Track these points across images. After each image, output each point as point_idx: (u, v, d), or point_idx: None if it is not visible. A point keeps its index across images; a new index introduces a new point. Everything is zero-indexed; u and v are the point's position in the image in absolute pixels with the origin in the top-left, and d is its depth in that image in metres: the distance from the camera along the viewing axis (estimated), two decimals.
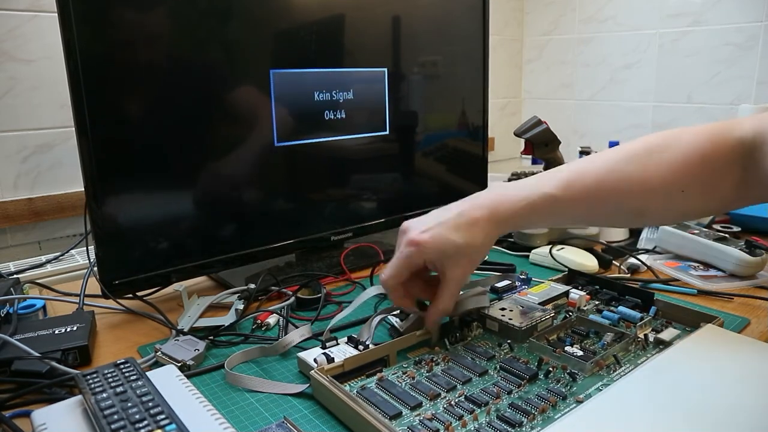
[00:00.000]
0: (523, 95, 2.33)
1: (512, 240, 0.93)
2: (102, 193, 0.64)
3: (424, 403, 0.46)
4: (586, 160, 0.58)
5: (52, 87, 1.15)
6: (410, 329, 0.58)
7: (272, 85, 0.75)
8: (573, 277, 0.72)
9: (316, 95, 0.80)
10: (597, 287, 0.69)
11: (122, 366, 0.49)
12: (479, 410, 0.45)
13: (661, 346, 0.55)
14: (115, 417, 0.41)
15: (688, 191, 0.54)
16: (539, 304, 0.63)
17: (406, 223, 0.58)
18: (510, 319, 0.59)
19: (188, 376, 0.54)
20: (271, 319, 0.67)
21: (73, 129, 0.62)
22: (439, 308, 0.56)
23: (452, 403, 0.47)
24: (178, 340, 0.60)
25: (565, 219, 0.59)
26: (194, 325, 0.65)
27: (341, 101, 0.83)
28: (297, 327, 0.63)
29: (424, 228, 0.55)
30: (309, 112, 0.80)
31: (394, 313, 0.62)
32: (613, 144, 1.71)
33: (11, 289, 0.68)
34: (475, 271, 0.80)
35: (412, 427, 0.43)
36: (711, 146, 0.54)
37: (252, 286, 0.73)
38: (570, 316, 0.61)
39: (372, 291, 0.65)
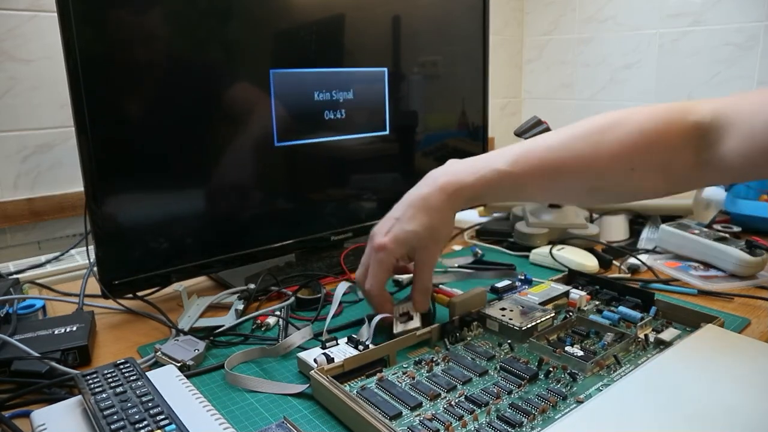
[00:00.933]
0: (523, 95, 2.33)
1: (512, 240, 0.93)
2: (102, 193, 0.64)
3: (424, 403, 0.46)
4: (540, 137, 0.59)
5: (52, 87, 1.15)
6: (405, 331, 0.58)
7: (272, 85, 0.75)
8: (573, 277, 0.72)
9: (316, 95, 0.80)
10: (597, 287, 0.69)
11: (122, 366, 0.49)
12: (479, 410, 0.45)
13: (661, 347, 0.55)
14: (115, 417, 0.41)
15: (638, 170, 0.55)
16: (539, 304, 0.63)
17: (372, 231, 0.62)
18: (510, 319, 0.59)
19: (188, 377, 0.53)
20: (271, 319, 0.67)
21: (73, 129, 0.62)
22: (420, 287, 0.60)
23: (452, 403, 0.46)
24: (177, 340, 0.60)
25: (521, 194, 0.60)
26: (194, 325, 0.65)
27: (341, 101, 0.83)
28: (298, 328, 0.63)
29: (386, 230, 0.59)
30: (309, 112, 0.80)
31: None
32: None
33: (11, 289, 0.68)
34: (475, 270, 0.80)
35: (412, 428, 0.43)
36: (664, 126, 0.54)
37: (252, 286, 0.73)
38: (570, 316, 0.61)
39: (343, 287, 0.69)
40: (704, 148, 0.53)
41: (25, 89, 1.14)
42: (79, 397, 0.46)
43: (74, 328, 0.62)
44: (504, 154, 0.58)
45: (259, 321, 0.66)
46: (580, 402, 0.46)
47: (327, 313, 0.67)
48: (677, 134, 0.54)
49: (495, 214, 1.09)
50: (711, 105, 0.53)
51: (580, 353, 0.52)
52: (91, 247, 0.69)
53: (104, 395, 0.44)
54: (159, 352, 0.58)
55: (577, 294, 0.65)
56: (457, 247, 0.95)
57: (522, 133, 1.04)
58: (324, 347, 0.55)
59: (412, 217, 0.58)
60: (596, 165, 0.55)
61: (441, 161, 0.64)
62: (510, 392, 0.48)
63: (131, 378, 0.47)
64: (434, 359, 0.53)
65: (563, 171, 0.56)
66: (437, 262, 0.62)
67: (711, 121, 0.52)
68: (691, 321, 0.59)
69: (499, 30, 2.16)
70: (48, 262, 1.00)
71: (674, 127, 0.54)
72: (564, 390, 0.48)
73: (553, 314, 0.61)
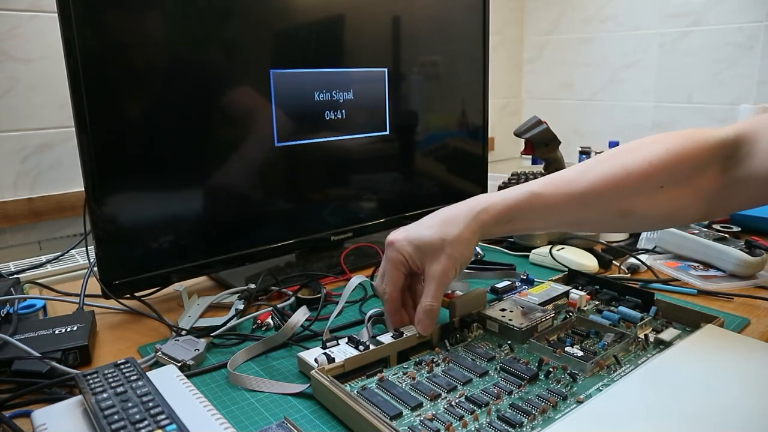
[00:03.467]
0: (523, 95, 2.33)
1: (512, 240, 0.93)
2: (102, 193, 0.64)
3: (424, 404, 0.46)
4: (568, 168, 0.60)
5: (52, 87, 1.15)
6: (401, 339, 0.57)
7: (272, 85, 0.75)
8: (573, 278, 0.72)
9: (316, 95, 0.80)
10: (597, 287, 0.69)
11: (122, 366, 0.49)
12: (480, 410, 0.45)
13: (661, 347, 0.55)
14: (116, 417, 0.41)
15: (667, 186, 0.55)
16: (539, 304, 0.63)
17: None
18: (510, 319, 0.59)
19: (188, 376, 0.54)
20: (271, 320, 0.67)
21: (73, 129, 0.62)
22: (424, 305, 0.56)
23: (453, 403, 0.47)
24: (178, 340, 0.60)
25: (551, 218, 0.59)
26: (194, 325, 0.65)
27: (341, 101, 0.83)
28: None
29: (402, 230, 0.59)
30: (309, 112, 0.80)
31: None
32: (612, 144, 1.71)
33: (11, 289, 0.68)
34: (475, 270, 0.80)
35: (413, 428, 0.43)
36: (690, 144, 0.55)
37: (252, 286, 0.73)
38: (570, 316, 0.61)
39: (355, 281, 0.68)
40: (731, 165, 0.54)
41: (25, 89, 1.14)
42: (80, 397, 0.46)
43: (75, 328, 0.62)
44: (535, 180, 0.58)
45: (259, 321, 0.66)
46: (580, 402, 0.46)
47: (327, 313, 0.67)
48: (702, 151, 0.55)
49: None
50: (734, 126, 0.55)
51: (580, 353, 0.52)
52: (92, 247, 0.69)
53: (105, 395, 0.44)
54: (159, 352, 0.58)
55: (577, 294, 0.66)
56: None
57: (522, 133, 1.04)
58: (325, 347, 0.55)
59: (432, 225, 0.57)
60: (625, 183, 0.55)
61: (441, 161, 0.64)
62: (510, 392, 0.48)
63: (132, 378, 0.47)
64: (434, 360, 0.53)
65: (593, 191, 0.56)
66: (449, 282, 0.57)
67: (735, 138, 0.54)
68: (691, 321, 0.59)
69: (499, 30, 2.16)
70: (48, 262, 1.00)
71: (699, 144, 0.55)
72: (564, 390, 0.48)
73: (553, 315, 0.61)
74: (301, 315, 0.59)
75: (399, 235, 0.58)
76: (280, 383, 0.53)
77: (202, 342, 0.60)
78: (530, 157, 1.23)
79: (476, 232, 0.57)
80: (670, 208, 0.57)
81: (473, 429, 0.43)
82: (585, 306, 0.65)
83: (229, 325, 0.64)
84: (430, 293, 0.56)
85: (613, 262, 0.83)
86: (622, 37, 1.97)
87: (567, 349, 0.53)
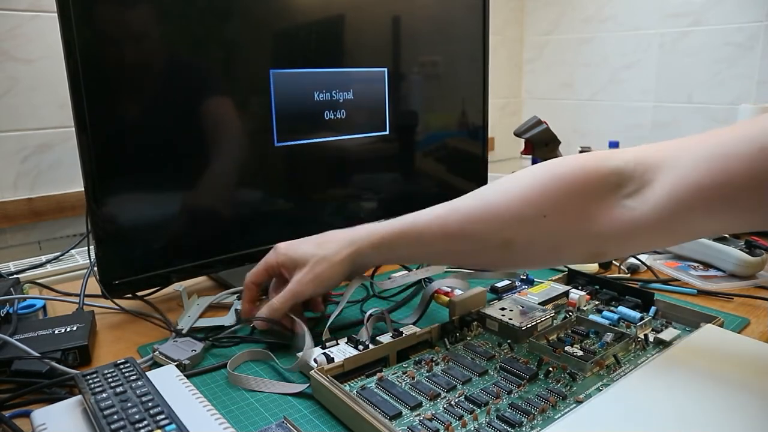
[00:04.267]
0: (523, 95, 2.33)
1: None
2: (102, 193, 0.64)
3: (424, 403, 0.46)
4: (457, 198, 0.58)
5: (52, 87, 1.15)
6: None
7: (272, 85, 0.75)
8: (573, 277, 0.72)
9: (316, 95, 0.80)
10: (597, 287, 0.69)
11: (122, 366, 0.49)
12: (479, 410, 0.45)
13: (661, 346, 0.55)
14: (115, 417, 0.41)
15: (551, 217, 0.50)
16: (539, 304, 0.63)
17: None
18: (510, 319, 0.59)
19: (188, 376, 0.54)
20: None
21: (73, 129, 0.62)
22: (272, 305, 0.60)
23: (452, 403, 0.47)
24: (176, 340, 0.60)
25: (427, 250, 0.58)
26: (194, 326, 0.65)
27: (341, 101, 0.83)
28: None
29: (291, 242, 0.63)
30: (309, 112, 0.80)
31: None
32: (613, 144, 1.71)
33: (11, 289, 0.68)
34: (475, 270, 0.80)
35: (412, 427, 0.43)
36: (579, 171, 0.50)
37: None
38: (570, 316, 0.61)
39: (356, 282, 0.67)
40: (627, 194, 0.48)
41: (25, 89, 1.14)
42: (79, 397, 0.46)
43: (74, 328, 0.62)
44: (424, 210, 0.58)
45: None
46: (579, 402, 0.46)
47: (328, 312, 0.66)
48: (593, 179, 0.49)
49: None
50: (633, 151, 0.50)
51: (580, 353, 0.52)
52: (92, 247, 0.69)
53: (104, 395, 0.44)
54: (156, 352, 0.58)
55: (576, 294, 0.66)
56: None
57: (522, 133, 1.04)
58: (324, 347, 0.55)
59: (311, 241, 0.62)
60: (505, 210, 0.52)
61: (441, 161, 0.64)
62: (510, 392, 0.48)
63: (131, 378, 0.47)
64: (434, 359, 0.53)
65: (472, 219, 0.54)
66: (303, 295, 0.60)
67: (634, 165, 0.48)
68: (690, 321, 0.59)
69: (499, 30, 2.16)
70: (48, 262, 1.00)
71: (590, 172, 0.50)
72: (564, 390, 0.48)
73: (553, 314, 0.61)
74: (312, 352, 0.56)
75: (283, 244, 0.63)
76: (280, 383, 0.53)
77: (200, 343, 0.60)
78: (530, 157, 1.23)
79: (349, 256, 0.58)
80: (555, 241, 0.52)
81: (473, 429, 0.43)
82: (585, 306, 0.65)
83: (231, 329, 0.64)
84: (280, 296, 0.60)
85: (613, 261, 0.83)
86: (622, 37, 1.97)
87: (567, 348, 0.53)
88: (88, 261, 0.80)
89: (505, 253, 0.54)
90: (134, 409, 0.42)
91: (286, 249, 0.62)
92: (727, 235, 0.82)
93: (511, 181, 0.54)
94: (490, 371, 0.51)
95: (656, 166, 0.47)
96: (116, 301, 0.69)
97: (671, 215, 0.45)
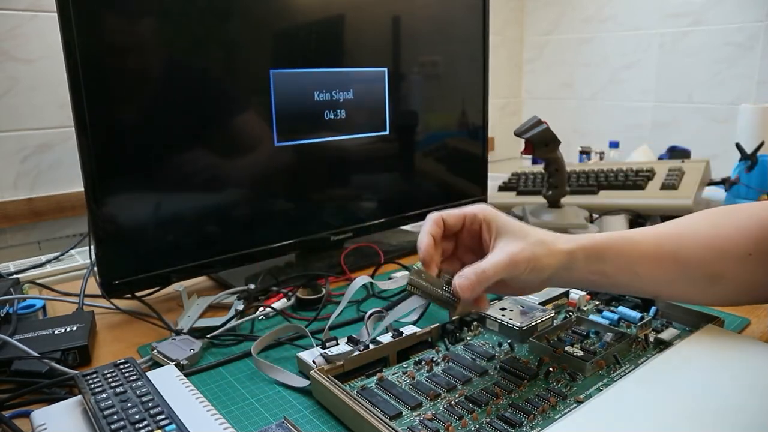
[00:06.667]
0: (523, 95, 2.33)
1: None
2: (102, 193, 0.64)
3: (424, 403, 0.46)
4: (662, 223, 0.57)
5: (52, 87, 1.15)
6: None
7: (272, 85, 0.75)
8: None
9: (316, 95, 0.80)
10: None
11: (122, 366, 0.49)
12: (479, 410, 0.45)
13: (661, 347, 0.55)
14: (115, 417, 0.41)
15: (755, 256, 0.51)
16: (539, 304, 0.63)
17: None
18: (510, 319, 0.59)
19: (188, 376, 0.54)
20: (276, 305, 0.68)
21: (73, 129, 0.62)
22: (478, 265, 0.47)
23: (452, 403, 0.46)
24: (174, 339, 0.60)
25: (638, 268, 0.53)
26: (194, 325, 0.65)
27: (341, 101, 0.83)
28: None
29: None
30: (309, 112, 0.80)
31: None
32: (613, 144, 1.71)
33: (11, 289, 0.68)
34: None
35: (412, 427, 0.43)
36: None
37: (252, 286, 0.73)
38: (570, 316, 0.61)
39: (359, 282, 0.65)
40: None
41: (25, 89, 1.14)
42: (79, 397, 0.46)
43: (74, 328, 0.62)
44: (633, 229, 0.56)
45: (262, 307, 0.67)
46: (579, 402, 0.46)
47: (327, 313, 0.66)
48: None
49: None
50: None
51: (580, 353, 0.52)
52: (92, 247, 0.69)
53: (104, 395, 0.44)
54: (155, 351, 0.58)
55: (576, 294, 0.65)
56: None
57: (522, 133, 1.04)
58: (324, 347, 0.55)
59: (523, 224, 0.52)
60: (715, 243, 0.52)
61: (441, 161, 0.64)
62: (510, 392, 0.48)
63: (131, 378, 0.47)
64: (434, 359, 0.53)
65: (683, 247, 0.53)
66: (512, 273, 0.49)
67: None
68: (691, 321, 0.59)
69: (499, 30, 2.16)
70: (48, 262, 0.99)
71: None
72: (564, 390, 0.48)
73: (553, 314, 0.61)
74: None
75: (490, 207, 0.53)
76: (298, 377, 0.54)
77: (198, 342, 0.60)
78: (530, 157, 1.23)
79: (569, 252, 0.51)
80: (756, 280, 0.53)
81: (473, 429, 0.43)
82: (585, 306, 0.65)
83: (228, 326, 0.64)
84: (494, 262, 0.48)
85: None
86: (622, 37, 1.97)
87: (567, 348, 0.53)
88: (88, 261, 0.80)
89: (710, 287, 0.54)
90: (134, 409, 0.42)
91: (495, 211, 0.52)
92: None
93: (718, 215, 0.55)
94: (490, 371, 0.51)
95: None
96: (115, 302, 0.69)
97: None
